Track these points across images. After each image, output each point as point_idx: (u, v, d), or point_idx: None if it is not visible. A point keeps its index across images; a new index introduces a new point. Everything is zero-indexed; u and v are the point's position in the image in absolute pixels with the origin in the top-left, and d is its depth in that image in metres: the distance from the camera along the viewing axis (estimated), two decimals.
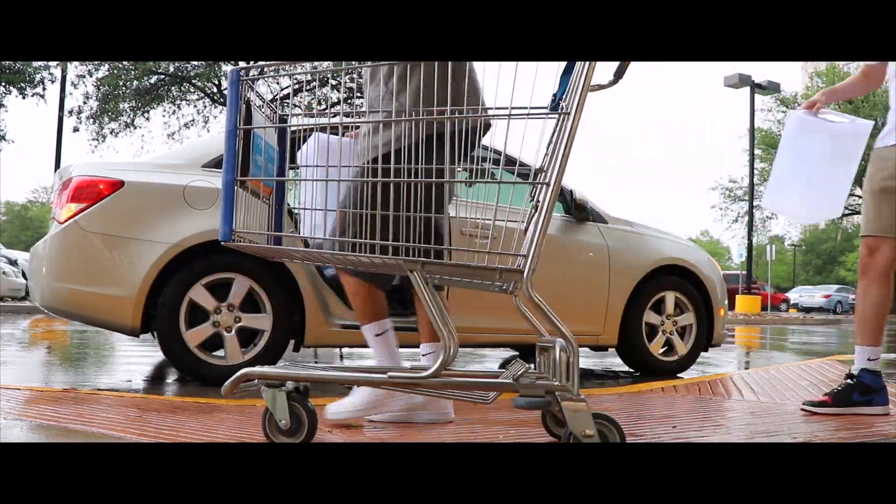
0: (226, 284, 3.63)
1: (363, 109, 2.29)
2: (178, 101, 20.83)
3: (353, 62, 2.14)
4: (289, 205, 2.19)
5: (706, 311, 4.87)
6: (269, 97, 15.74)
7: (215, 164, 3.76)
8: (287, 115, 2.15)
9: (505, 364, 5.43)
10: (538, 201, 1.71)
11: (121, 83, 19.22)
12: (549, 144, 1.82)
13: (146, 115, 20.48)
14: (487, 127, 2.31)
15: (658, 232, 5.00)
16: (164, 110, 20.91)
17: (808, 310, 32.05)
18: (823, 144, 2.87)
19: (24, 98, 19.15)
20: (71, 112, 19.28)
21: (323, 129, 2.46)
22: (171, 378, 4.09)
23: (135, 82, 19.61)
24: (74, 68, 18.88)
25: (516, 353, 5.98)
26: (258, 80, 1.91)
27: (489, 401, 1.93)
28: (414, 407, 2.42)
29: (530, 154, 1.83)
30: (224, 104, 19.23)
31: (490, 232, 1.89)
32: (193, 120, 21.19)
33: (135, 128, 20.50)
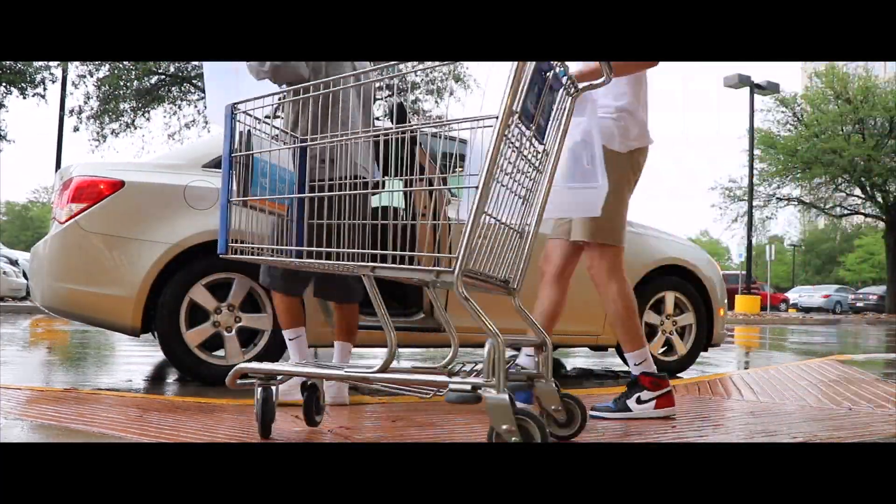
0: (226, 284, 3.63)
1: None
2: (178, 102, 20.84)
3: (327, 86, 2.40)
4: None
5: (706, 311, 4.88)
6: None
7: (215, 164, 3.76)
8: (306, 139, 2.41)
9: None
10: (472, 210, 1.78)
11: (121, 83, 19.24)
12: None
13: (147, 115, 20.49)
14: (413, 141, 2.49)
15: (657, 232, 4.99)
16: (165, 110, 20.94)
17: (807, 310, 32.08)
18: None
19: (24, 98, 19.09)
20: (71, 112, 19.29)
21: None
22: (172, 378, 4.09)
23: (135, 82, 19.64)
24: (75, 68, 18.91)
25: (515, 353, 5.97)
26: (253, 111, 2.12)
27: (428, 396, 1.99)
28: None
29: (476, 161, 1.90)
30: None
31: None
32: (194, 120, 21.20)
33: (135, 128, 20.52)
